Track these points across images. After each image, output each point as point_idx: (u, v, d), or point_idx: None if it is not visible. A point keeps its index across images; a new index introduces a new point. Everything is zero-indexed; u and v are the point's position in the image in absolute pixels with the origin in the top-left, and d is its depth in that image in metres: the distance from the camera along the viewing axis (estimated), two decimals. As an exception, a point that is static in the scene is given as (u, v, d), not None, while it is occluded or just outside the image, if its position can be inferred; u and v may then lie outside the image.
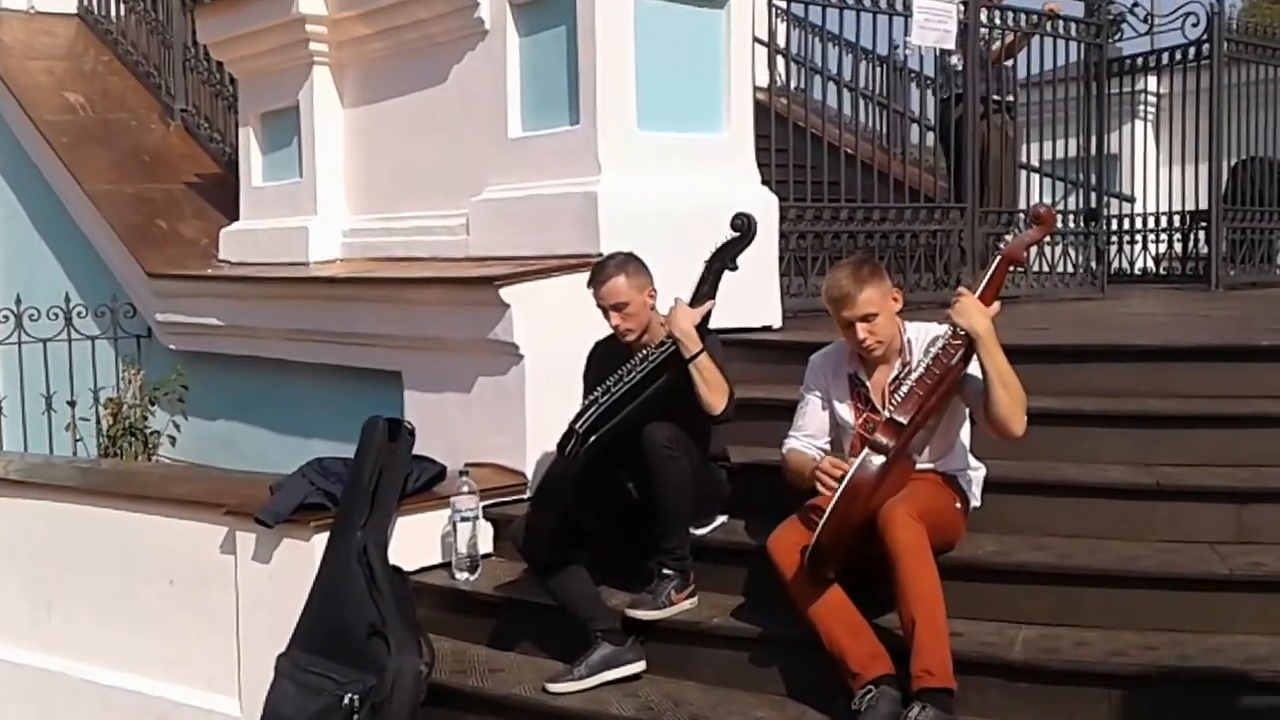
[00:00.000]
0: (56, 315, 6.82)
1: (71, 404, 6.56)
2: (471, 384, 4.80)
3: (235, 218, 6.84)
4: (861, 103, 7.29)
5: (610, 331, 3.96)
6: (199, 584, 4.57)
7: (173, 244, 6.96)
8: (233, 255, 6.67)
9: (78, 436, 6.61)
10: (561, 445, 3.70)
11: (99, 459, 6.47)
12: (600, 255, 4.16)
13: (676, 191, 4.77)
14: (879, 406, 3.49)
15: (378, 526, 4.17)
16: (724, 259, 3.79)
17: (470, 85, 5.30)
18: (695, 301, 3.79)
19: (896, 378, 3.51)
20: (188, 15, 7.55)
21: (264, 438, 6.28)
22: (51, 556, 5.07)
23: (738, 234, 3.78)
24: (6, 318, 6.71)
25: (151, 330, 6.97)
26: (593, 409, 3.69)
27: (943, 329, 3.40)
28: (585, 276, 3.94)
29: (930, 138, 7.54)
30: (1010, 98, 7.35)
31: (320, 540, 4.16)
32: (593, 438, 3.65)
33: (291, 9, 5.87)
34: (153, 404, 6.51)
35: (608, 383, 3.74)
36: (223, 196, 7.10)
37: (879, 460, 3.21)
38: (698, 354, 3.71)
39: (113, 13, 8.78)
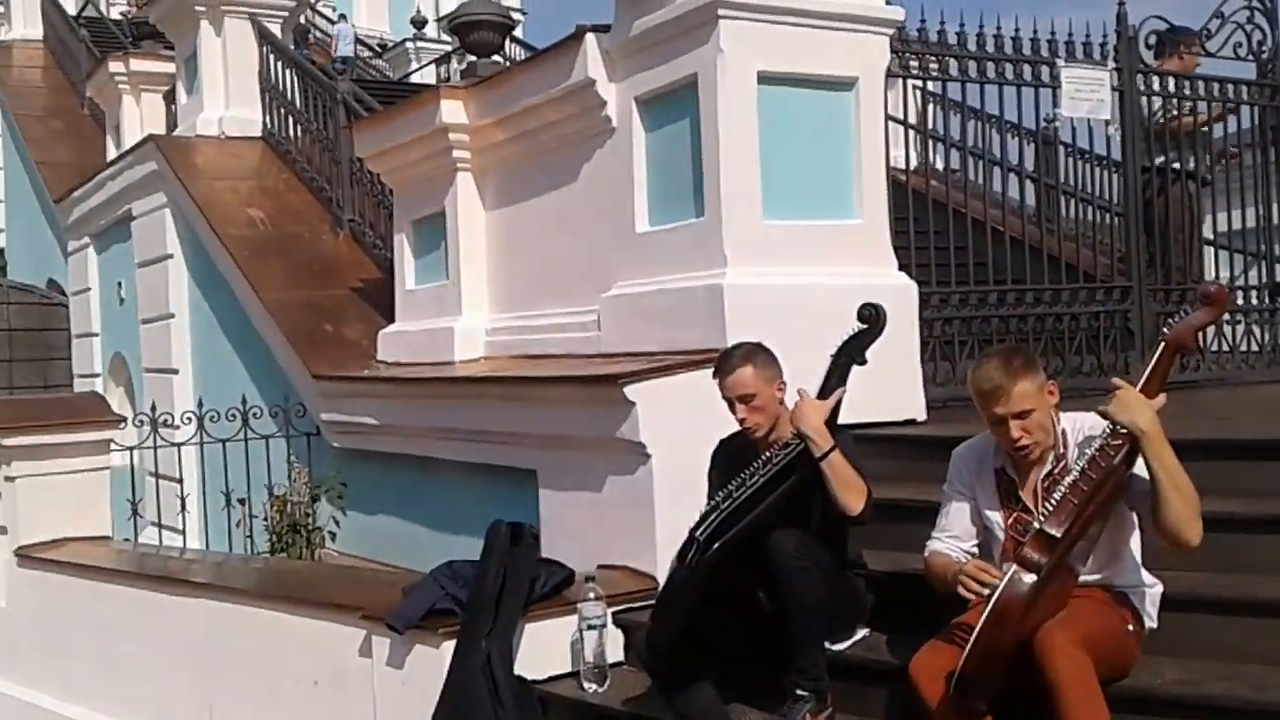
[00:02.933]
0: (235, 416, 6.78)
1: (242, 501, 6.46)
2: (602, 483, 4.41)
3: (393, 320, 6.69)
4: (1014, 178, 6.62)
5: (737, 428, 3.51)
6: (341, 686, 4.32)
7: (337, 346, 6.86)
8: (389, 356, 6.51)
9: (248, 533, 6.50)
10: (682, 553, 3.26)
11: (266, 555, 6.32)
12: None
13: (807, 281, 4.32)
14: (1030, 507, 2.92)
15: (502, 634, 3.82)
16: (851, 352, 3.31)
17: (600, 182, 4.99)
18: (823, 395, 3.31)
19: (1050, 474, 2.94)
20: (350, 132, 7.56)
21: (417, 533, 6.05)
22: (213, 656, 4.91)
23: (865, 326, 3.30)
24: (189, 420, 6.71)
25: (319, 429, 6.85)
26: (714, 515, 3.24)
27: (1100, 420, 2.81)
28: (712, 370, 3.51)
29: (1090, 212, 6.82)
30: (1195, 166, 6.39)
31: (448, 647, 3.86)
32: (715, 546, 3.19)
33: (434, 119, 5.71)
34: (315, 500, 6.35)
35: (730, 486, 3.29)
36: (384, 300, 6.99)
37: (1029, 579, 2.64)
38: (829, 451, 3.22)
39: (291, 133, 8.91)
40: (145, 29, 11.66)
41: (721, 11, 4.23)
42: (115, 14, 20.33)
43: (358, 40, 24.01)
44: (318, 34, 20.66)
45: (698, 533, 3.21)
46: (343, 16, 21.27)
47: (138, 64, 11.14)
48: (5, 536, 5.86)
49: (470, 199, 5.90)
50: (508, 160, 5.69)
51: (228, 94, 9.20)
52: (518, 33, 25.38)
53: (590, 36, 4.79)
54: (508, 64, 8.22)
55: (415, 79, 19.47)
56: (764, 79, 4.34)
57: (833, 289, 4.16)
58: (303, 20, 16.72)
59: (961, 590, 2.79)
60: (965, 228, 5.49)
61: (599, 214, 4.99)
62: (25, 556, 5.74)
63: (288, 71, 8.93)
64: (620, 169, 4.82)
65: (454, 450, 5.50)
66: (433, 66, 20.60)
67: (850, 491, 3.21)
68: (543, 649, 3.93)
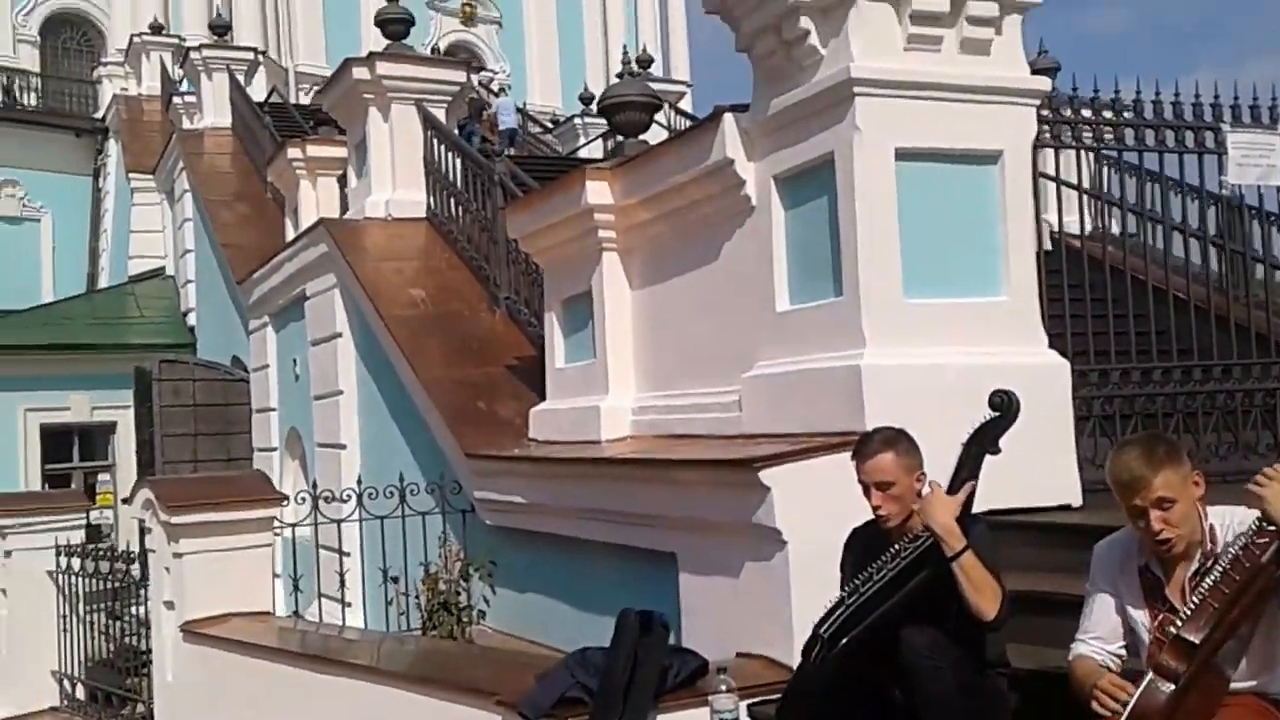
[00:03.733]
0: (393, 493, 7.07)
1: (394, 579, 6.71)
2: (740, 569, 4.42)
3: (545, 397, 6.88)
4: (1187, 242, 6.34)
5: (870, 515, 3.48)
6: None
7: (490, 424, 7.09)
8: (540, 434, 6.70)
9: (402, 611, 6.74)
10: (806, 650, 3.23)
11: (418, 632, 6.54)
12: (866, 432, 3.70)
13: (949, 362, 4.25)
14: (1176, 607, 2.79)
15: (631, 726, 3.83)
16: (983, 441, 3.25)
17: (741, 260, 5.06)
18: (953, 488, 3.25)
19: (1198, 572, 2.80)
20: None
21: (565, 612, 6.16)
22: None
23: (997, 413, 3.23)
24: (348, 497, 7.03)
25: (474, 506, 7.07)
26: (839, 610, 3.21)
27: (1252, 514, 2.68)
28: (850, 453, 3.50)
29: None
30: None
31: None
32: (840, 643, 3.16)
33: (580, 200, 5.91)
34: (465, 579, 6.54)
35: (857, 580, 3.26)
36: (537, 377, 7.20)
37: (1167, 689, 2.52)
38: (961, 552, 3.15)
39: (453, 213, 9.34)
40: (322, 115, 12.47)
41: (857, 89, 4.27)
42: (305, 98, 21.84)
43: (527, 116, 25.03)
44: (488, 110, 21.62)
45: (822, 630, 3.19)
46: (504, 91, 22.22)
47: (314, 149, 11.92)
48: (172, 612, 6.25)
49: (616, 278, 6.05)
50: (652, 239, 5.83)
51: (394, 177, 9.74)
52: (685, 105, 26.00)
53: (728, 117, 4.90)
54: (656, 140, 8.43)
55: (583, 153, 20.10)
56: (902, 155, 4.34)
57: (977, 369, 4.08)
58: (475, 95, 17.55)
59: (1095, 707, 2.68)
60: (1137, 294, 5.27)
61: (740, 292, 5.05)
62: (191, 632, 6.11)
63: (449, 154, 9.39)
64: (760, 247, 4.88)
65: (599, 531, 5.59)
66: (600, 141, 21.22)
67: (983, 595, 3.13)
68: (675, 740, 3.94)
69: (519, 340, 8.00)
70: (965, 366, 4.20)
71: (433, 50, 27.96)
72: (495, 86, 22.60)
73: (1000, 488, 3.34)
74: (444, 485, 7.18)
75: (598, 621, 5.52)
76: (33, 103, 25.04)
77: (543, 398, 6.94)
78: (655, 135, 15.79)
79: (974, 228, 4.46)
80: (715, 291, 5.28)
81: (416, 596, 6.62)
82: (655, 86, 23.89)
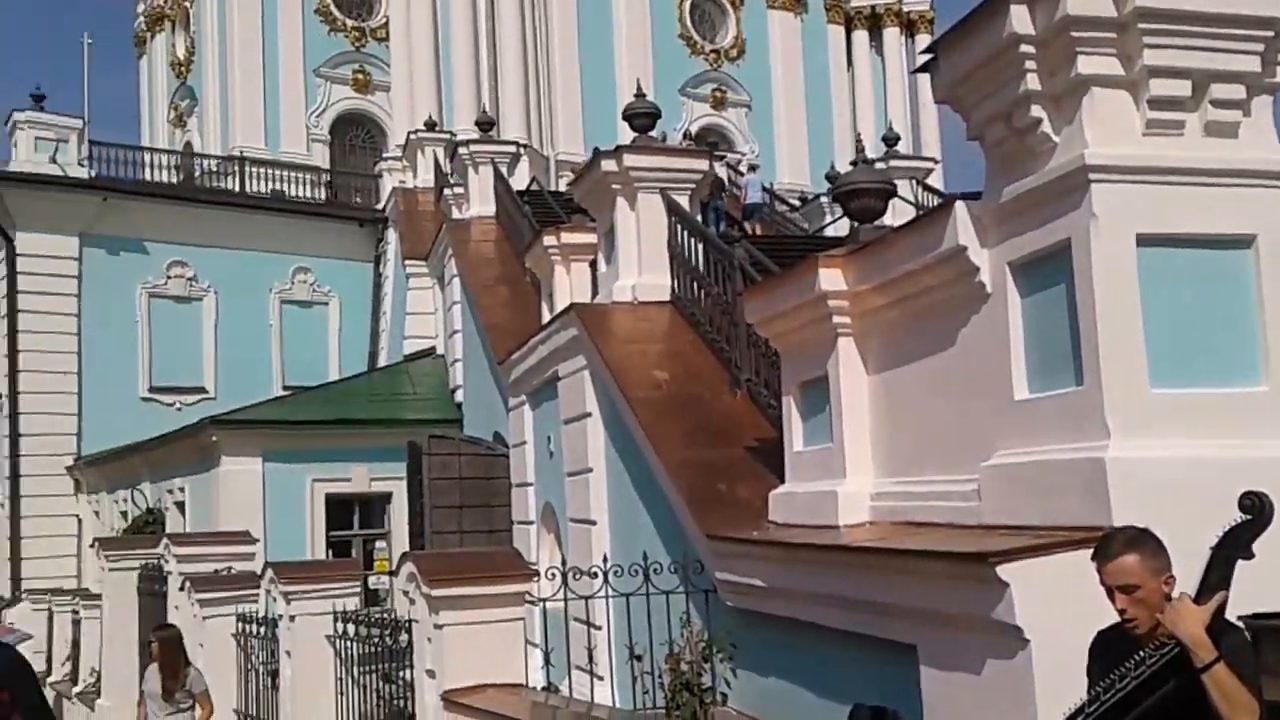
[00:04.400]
0: (637, 571, 7.25)
1: (639, 657, 6.84)
2: (982, 666, 4.29)
3: (784, 480, 6.91)
4: None
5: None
6: None
7: (730, 506, 7.17)
8: (779, 517, 6.72)
9: (646, 689, 6.86)
10: (1048, 758, 3.11)
11: (662, 712, 6.63)
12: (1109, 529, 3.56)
13: (1202, 456, 4.03)
14: None
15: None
16: (1235, 545, 3.06)
17: (977, 348, 4.97)
18: (1201, 595, 3.08)
19: None
20: (743, 297, 7.99)
21: (807, 699, 6.12)
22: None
23: (1249, 516, 3.04)
24: (595, 574, 7.26)
25: (715, 586, 7.15)
26: (1080, 718, 3.08)
27: None
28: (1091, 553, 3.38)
29: None
30: None
31: None
32: (1082, 756, 3.04)
33: (814, 288, 5.96)
34: (706, 660, 6.60)
35: (1098, 689, 3.13)
36: (776, 459, 7.24)
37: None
38: (1212, 663, 2.97)
39: (696, 297, 9.57)
40: (576, 204, 13.10)
41: (1093, 176, 4.17)
42: (564, 184, 22.95)
43: (774, 195, 25.36)
44: (734, 188, 22.05)
45: (1064, 737, 3.08)
46: (753, 168, 22.58)
47: (567, 237, 12.52)
48: (434, 680, 6.62)
49: (852, 363, 6.05)
50: (887, 325, 5.81)
51: (640, 262, 10.11)
52: (934, 180, 25.64)
53: (960, 204, 4.86)
54: (900, 218, 8.40)
55: (830, 230, 20.13)
56: (1144, 240, 4.19)
57: (1231, 464, 3.85)
58: (720, 173, 17.99)
59: None
60: None
61: (977, 379, 4.96)
62: (450, 701, 6.45)
63: (692, 240, 9.67)
64: (996, 334, 4.79)
65: (838, 618, 5.54)
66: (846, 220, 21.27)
67: (1238, 710, 2.93)
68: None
69: (759, 422, 8.07)
70: (1218, 461, 3.96)
71: (685, 134, 28.84)
72: (744, 167, 23.04)
73: (1256, 593, 3.13)
74: (687, 565, 7.30)
75: (838, 709, 5.48)
76: (323, 196, 27.45)
77: (782, 480, 6.97)
78: (903, 211, 15.71)
79: (1228, 314, 4.23)
80: (952, 378, 5.20)
81: (659, 675, 6.73)
82: (902, 164, 23.76)
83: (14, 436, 23.21)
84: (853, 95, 34.96)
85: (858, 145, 18.19)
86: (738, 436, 7.93)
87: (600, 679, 8.31)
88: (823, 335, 6.15)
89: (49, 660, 17.94)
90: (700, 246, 9.54)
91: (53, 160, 23.65)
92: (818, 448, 6.38)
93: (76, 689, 15.41)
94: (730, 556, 6.72)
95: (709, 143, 26.86)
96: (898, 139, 24.65)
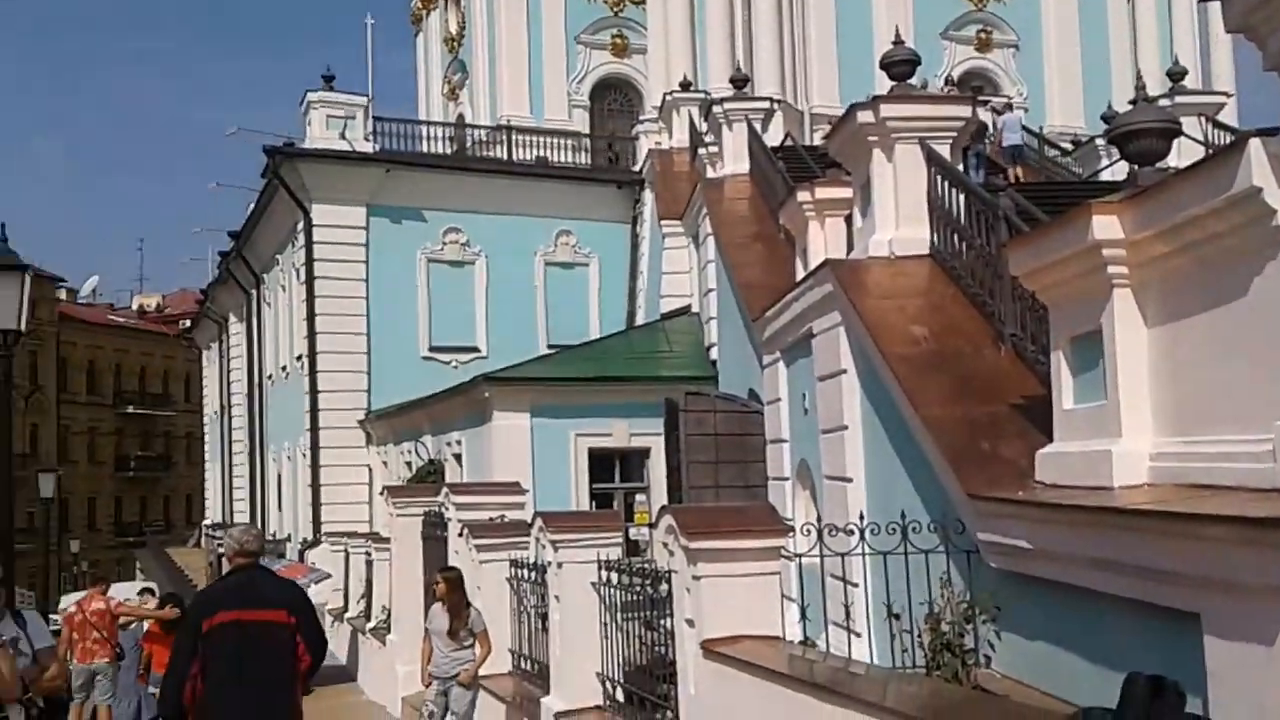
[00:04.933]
0: (895, 530, 7.13)
1: (896, 616, 6.74)
2: (1275, 636, 3.96)
3: (1052, 439, 6.59)
4: None
5: None
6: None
7: (993, 465, 6.91)
8: (1046, 477, 6.42)
9: (904, 647, 6.75)
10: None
11: (921, 672, 6.51)
12: None
13: None
14: None
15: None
16: None
17: (1273, 298, 4.55)
18: None
19: None
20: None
21: (1074, 664, 5.87)
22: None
23: None
24: (852, 531, 7.19)
25: (978, 547, 6.93)
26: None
27: None
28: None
29: None
30: None
31: None
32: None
33: (1088, 236, 5.62)
34: (968, 621, 6.42)
35: None
36: (1043, 418, 6.91)
37: None
38: None
39: (957, 250, 9.23)
40: (830, 158, 12.87)
41: None
42: (819, 139, 22.62)
43: (1044, 140, 24.05)
44: (995, 131, 21.07)
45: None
46: (1009, 106, 21.45)
47: (821, 192, 12.35)
48: (692, 629, 6.75)
49: (1129, 316, 5.68)
50: (1168, 274, 5.41)
51: (897, 215, 9.83)
52: (1226, 117, 23.57)
53: (1254, 142, 4.44)
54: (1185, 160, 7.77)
55: (1105, 175, 18.93)
56: None
57: None
58: (983, 118, 17.19)
59: None
60: None
61: (1272, 332, 4.55)
62: (709, 650, 6.55)
63: (953, 190, 9.31)
64: (1296, 283, 4.38)
65: (1112, 583, 5.26)
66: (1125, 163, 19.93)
67: None
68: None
69: (1025, 378, 7.72)
70: None
71: (946, 80, 27.80)
72: (1002, 105, 21.94)
73: None
74: (947, 524, 7.10)
75: (1111, 677, 5.19)
76: (583, 160, 28.24)
77: (1050, 439, 6.65)
78: (1190, 151, 14.56)
79: None
80: (1244, 330, 4.78)
81: (919, 635, 6.60)
82: (1188, 100, 21.98)
83: (314, 393, 25.29)
84: (1133, 29, 32.55)
85: (1138, 83, 16.95)
86: (1001, 393, 7.61)
87: (858, 636, 8.23)
88: (1096, 287, 5.79)
89: (345, 597, 19.48)
90: (962, 197, 9.17)
91: (342, 136, 25.43)
92: (1090, 405, 6.04)
93: (370, 625, 16.66)
94: (994, 517, 6.48)
95: (972, 87, 25.73)
96: (1184, 73, 22.78)
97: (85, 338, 62.65)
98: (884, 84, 10.59)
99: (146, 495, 64.93)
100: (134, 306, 72.01)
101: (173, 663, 6.49)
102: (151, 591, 16.40)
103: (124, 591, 20.56)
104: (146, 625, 13.47)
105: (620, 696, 9.08)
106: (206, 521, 42.11)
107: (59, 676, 7.36)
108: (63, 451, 57.91)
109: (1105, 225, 5.56)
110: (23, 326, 9.95)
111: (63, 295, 62.42)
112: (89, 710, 12.78)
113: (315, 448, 25.40)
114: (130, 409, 64.12)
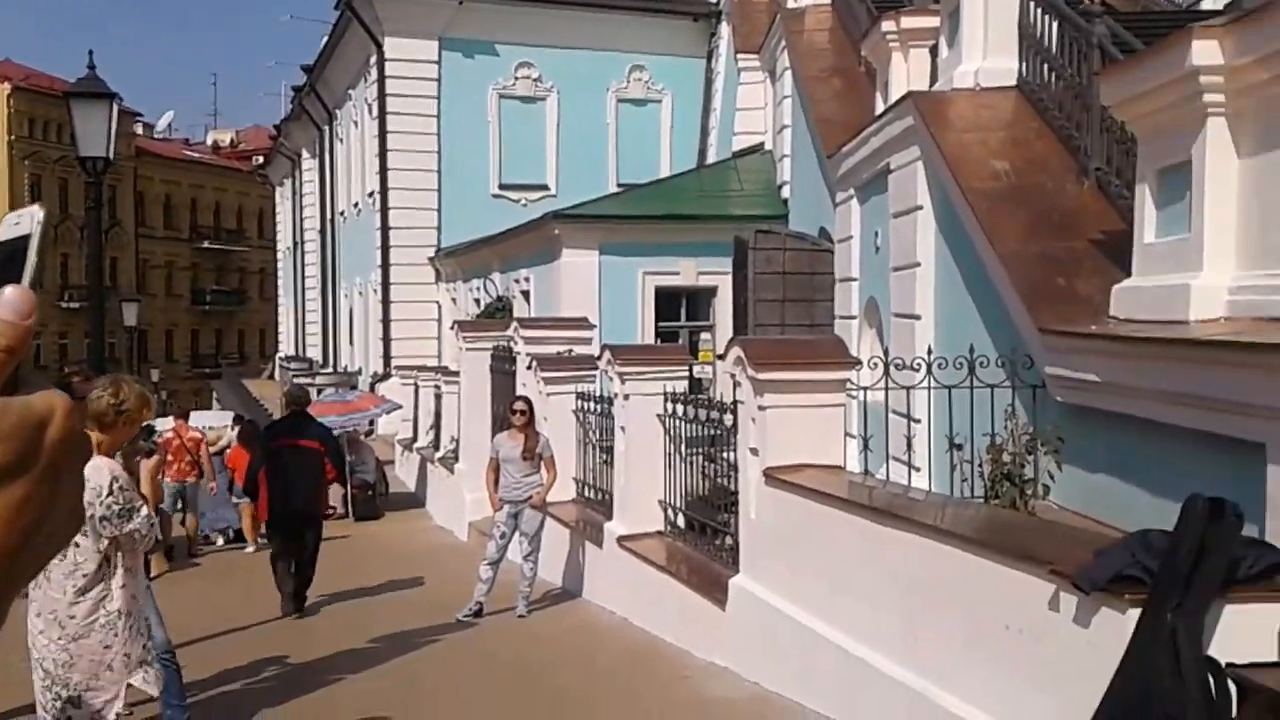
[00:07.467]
0: (962, 364, 7.15)
1: (958, 447, 6.82)
2: (1342, 467, 3.97)
3: (1130, 274, 6.51)
4: None
5: None
6: (1031, 635, 4.53)
7: (1068, 300, 6.86)
8: (1121, 312, 6.37)
9: (964, 478, 6.85)
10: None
11: (980, 500, 6.62)
12: None
13: None
14: None
15: (1192, 612, 3.71)
16: None
17: (1375, 122, 4.39)
18: None
19: None
20: (1100, 78, 7.38)
21: (1135, 495, 5.94)
22: (921, 587, 5.37)
23: None
24: (918, 365, 7.22)
25: (1045, 382, 6.94)
26: None
27: None
28: None
29: None
30: None
31: (1133, 615, 3.87)
32: None
33: (1184, 63, 5.42)
34: (1030, 453, 6.48)
35: None
36: (1122, 253, 6.81)
37: None
38: None
39: (1046, 81, 8.93)
40: (919, -14, 12.38)
41: None
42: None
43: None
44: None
45: None
46: None
47: (907, 21, 11.92)
48: (756, 458, 6.90)
49: (1222, 146, 5.52)
50: (1268, 102, 5.23)
51: (985, 45, 9.49)
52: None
53: (1371, -47, 4.22)
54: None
55: (1206, 4, 17.98)
56: None
57: None
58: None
59: None
60: None
61: (1371, 159, 4.41)
62: (771, 477, 6.71)
63: (1045, 17, 8.95)
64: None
65: (1178, 415, 5.29)
66: (1226, -9, 18.88)
67: None
68: (1244, 633, 3.73)
69: (1106, 213, 7.56)
70: None
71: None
72: None
73: None
74: (1015, 359, 7.11)
75: (1170, 508, 5.24)
76: (659, -8, 27.43)
77: (1128, 274, 6.56)
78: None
79: None
80: (1341, 158, 4.64)
81: (980, 466, 6.69)
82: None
83: (385, 230, 25.53)
84: None
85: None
86: (1081, 228, 7.48)
87: (917, 470, 8.34)
88: (1190, 115, 5.63)
89: (414, 428, 20.07)
90: (1055, 24, 8.82)
91: (414, -35, 24.94)
92: (1173, 239, 5.94)
93: (438, 454, 17.20)
94: (1065, 351, 6.48)
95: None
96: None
97: (162, 172, 63.41)
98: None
99: (221, 328, 66.65)
100: (208, 142, 72.48)
101: (252, 463, 10.90)
102: (240, 418, 18.90)
103: (207, 419, 21.66)
104: (229, 450, 15.81)
105: (681, 522, 9.36)
106: (280, 354, 43.29)
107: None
108: (141, 284, 59.40)
109: (1205, 50, 5.36)
110: (111, 154, 10.18)
111: (139, 130, 62.96)
112: (182, 520, 14.28)
113: (386, 284, 25.80)
114: (206, 244, 65.27)
